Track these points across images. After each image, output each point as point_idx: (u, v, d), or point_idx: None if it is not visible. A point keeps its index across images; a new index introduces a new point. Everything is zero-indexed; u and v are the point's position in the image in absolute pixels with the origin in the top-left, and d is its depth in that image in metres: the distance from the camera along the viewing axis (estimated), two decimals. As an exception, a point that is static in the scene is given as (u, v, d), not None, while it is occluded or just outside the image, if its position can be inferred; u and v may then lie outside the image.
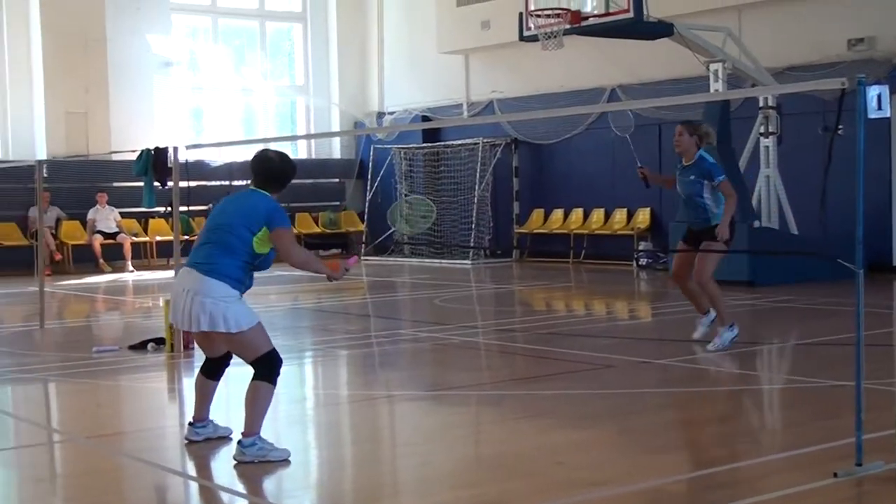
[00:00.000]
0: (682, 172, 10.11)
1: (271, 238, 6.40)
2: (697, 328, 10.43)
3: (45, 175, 14.47)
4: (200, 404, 6.89)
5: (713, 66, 16.67)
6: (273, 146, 26.99)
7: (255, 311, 6.52)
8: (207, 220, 6.72)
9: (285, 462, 6.26)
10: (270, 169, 6.70)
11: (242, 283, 6.45)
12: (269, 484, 6.12)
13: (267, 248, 6.48)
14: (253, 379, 6.43)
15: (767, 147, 17.19)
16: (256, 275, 6.57)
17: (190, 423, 6.85)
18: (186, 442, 6.80)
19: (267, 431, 7.59)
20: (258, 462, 6.23)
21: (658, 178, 10.98)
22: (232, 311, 6.30)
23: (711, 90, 16.55)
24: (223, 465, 6.70)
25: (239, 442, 6.35)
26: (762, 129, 17.24)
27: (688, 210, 10.30)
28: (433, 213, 6.69)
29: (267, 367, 6.41)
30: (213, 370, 6.88)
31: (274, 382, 6.43)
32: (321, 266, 6.71)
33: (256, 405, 6.38)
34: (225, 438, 6.84)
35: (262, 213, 6.42)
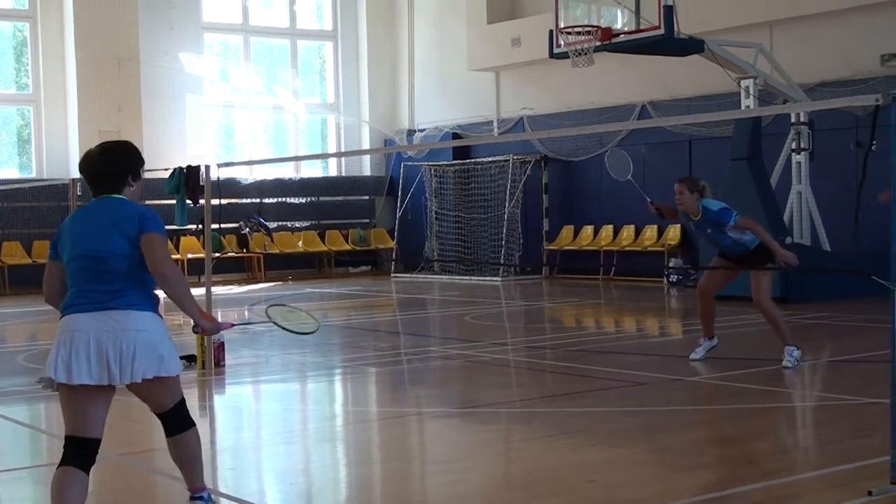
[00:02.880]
0: (698, 227, 10.13)
1: (141, 244, 5.01)
2: (698, 350, 10.42)
3: (79, 193, 14.56)
4: None
5: (744, 83, 16.61)
6: (303, 164, 26.99)
7: None
8: (70, 250, 5.10)
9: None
10: (100, 171, 5.20)
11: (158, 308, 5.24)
12: (298, 501, 6.12)
13: None
14: (177, 432, 5.32)
15: (799, 163, 17.10)
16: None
17: None
18: None
19: (296, 449, 7.61)
20: None
21: (670, 209, 10.77)
22: (172, 350, 5.18)
23: (742, 106, 16.50)
24: (253, 482, 6.71)
25: (199, 498, 5.43)
26: (794, 146, 17.16)
27: (722, 250, 10.21)
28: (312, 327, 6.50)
29: (183, 411, 5.35)
30: (88, 455, 5.14)
31: (195, 423, 5.42)
32: (193, 305, 5.20)
33: (196, 454, 5.40)
34: None
35: (133, 218, 5.05)
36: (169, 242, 23.52)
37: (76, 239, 5.08)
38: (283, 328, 5.74)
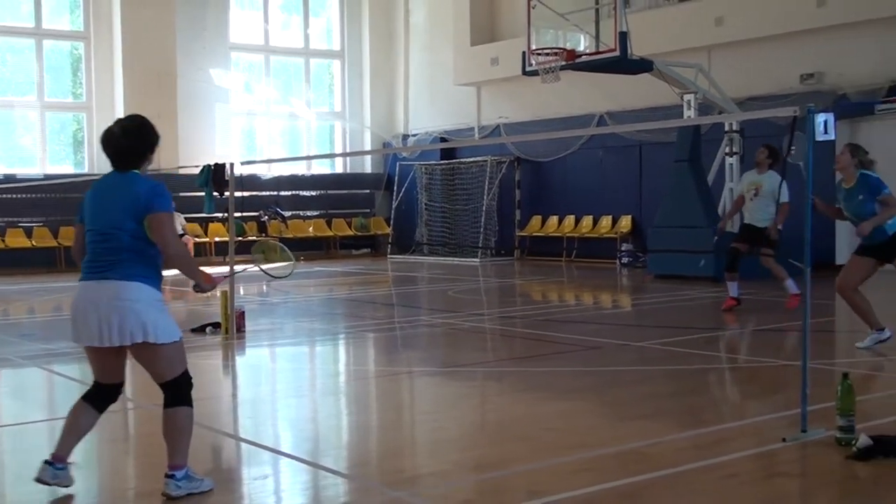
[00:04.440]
0: (848, 195, 8.69)
1: (148, 223, 4.75)
2: (866, 341, 8.95)
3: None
4: (69, 439, 4.97)
5: (686, 97, 16.63)
6: (314, 163, 26.89)
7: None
8: (87, 222, 4.92)
9: (211, 489, 4.92)
10: (119, 146, 4.89)
11: (160, 282, 4.92)
12: (307, 444, 6.13)
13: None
14: (170, 405, 4.87)
15: (731, 164, 17.13)
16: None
17: (48, 462, 4.90)
18: (37, 480, 4.89)
19: (305, 401, 7.61)
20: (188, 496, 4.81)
21: (829, 208, 9.05)
22: (162, 319, 4.79)
23: (685, 116, 16.52)
24: (269, 429, 6.72)
25: (171, 476, 4.81)
26: (727, 150, 17.18)
27: (862, 225, 8.58)
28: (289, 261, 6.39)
29: (183, 389, 4.90)
30: (103, 399, 5.06)
31: (191, 405, 4.92)
32: (196, 271, 4.98)
33: (183, 432, 4.88)
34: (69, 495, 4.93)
35: (143, 198, 4.76)
36: (199, 227, 23.58)
37: (91, 213, 4.90)
38: (263, 270, 5.58)
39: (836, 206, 8.92)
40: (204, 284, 5.05)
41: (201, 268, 5.10)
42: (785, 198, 10.96)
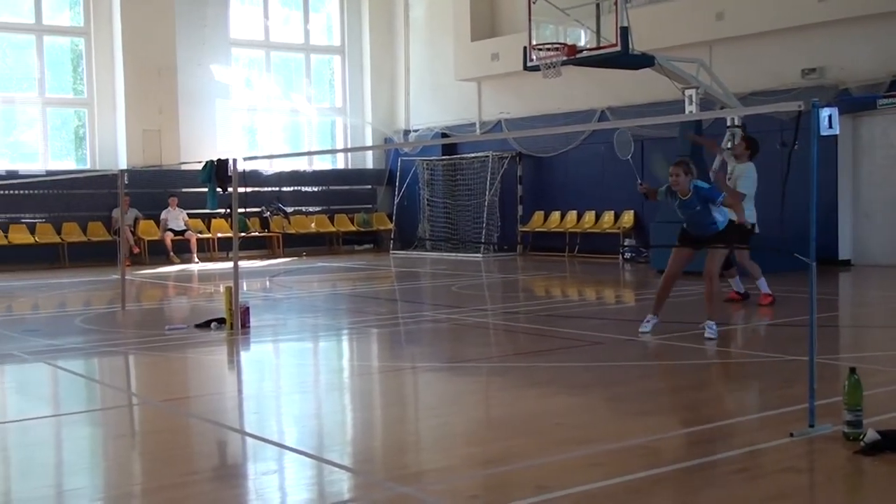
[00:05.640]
0: (685, 205, 9.56)
1: None
2: (645, 325, 9.93)
3: (126, 182, 14.51)
4: None
5: (688, 92, 16.57)
6: (316, 158, 27.06)
7: None
8: None
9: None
10: None
11: None
12: (312, 440, 6.11)
13: None
14: None
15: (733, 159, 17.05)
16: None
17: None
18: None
19: (310, 397, 7.61)
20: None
21: (654, 192, 10.20)
22: None
23: (686, 112, 16.45)
24: (273, 424, 6.70)
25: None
26: (729, 145, 17.10)
27: (699, 229, 9.73)
28: None
29: None
30: None
31: None
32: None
33: None
34: None
35: None
36: (202, 223, 23.63)
37: None
38: None
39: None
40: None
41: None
42: (745, 189, 11.19)
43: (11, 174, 21.31)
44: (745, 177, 12.04)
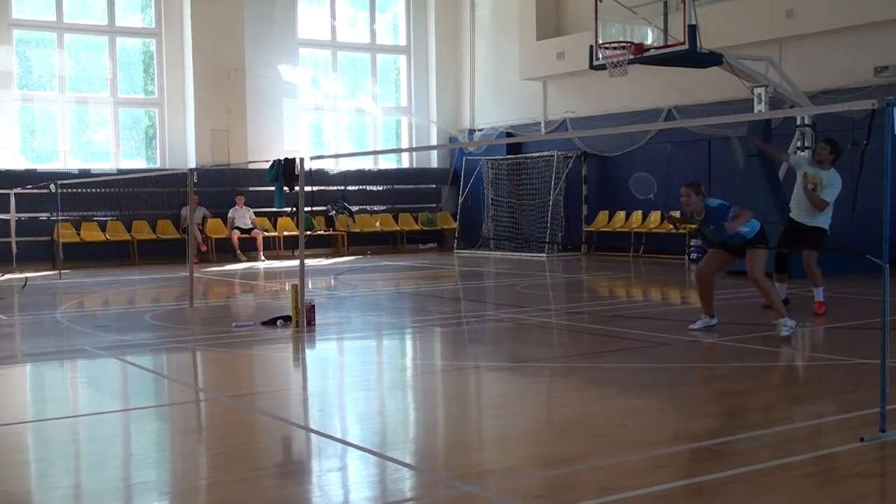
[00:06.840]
0: (703, 224, 9.85)
1: None
2: (697, 323, 10.19)
3: (195, 181, 14.69)
4: None
5: (757, 90, 16.33)
6: (381, 158, 27.16)
7: None
8: None
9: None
10: None
11: None
12: (375, 437, 6.13)
13: None
14: None
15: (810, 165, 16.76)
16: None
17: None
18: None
19: (373, 395, 7.64)
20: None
21: (684, 218, 10.57)
22: None
23: (755, 111, 16.22)
24: (337, 422, 6.74)
25: None
26: (799, 144, 16.85)
27: (723, 242, 9.95)
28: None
29: None
30: None
31: None
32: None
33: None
34: None
35: None
36: (269, 222, 23.88)
37: None
38: None
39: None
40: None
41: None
42: (829, 197, 10.87)
43: (84, 173, 21.74)
44: (832, 184, 11.15)
